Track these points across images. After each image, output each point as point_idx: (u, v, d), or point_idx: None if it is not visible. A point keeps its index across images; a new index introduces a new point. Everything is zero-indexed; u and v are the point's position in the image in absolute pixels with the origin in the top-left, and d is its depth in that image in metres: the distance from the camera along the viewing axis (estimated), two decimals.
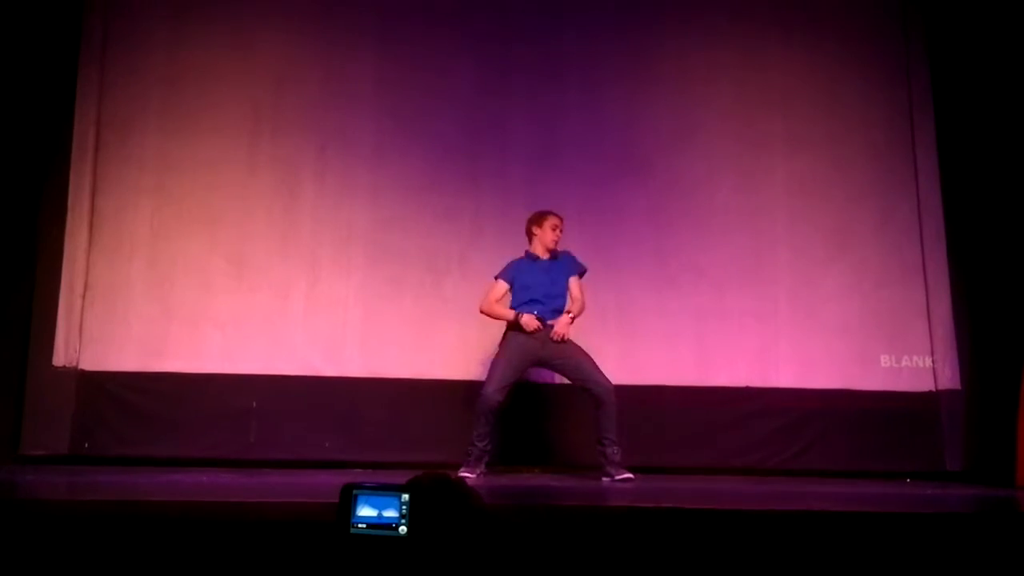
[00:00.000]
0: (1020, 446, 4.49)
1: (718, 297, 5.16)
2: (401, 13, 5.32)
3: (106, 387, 4.77)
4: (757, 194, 5.31)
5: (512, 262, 4.42)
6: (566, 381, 4.49)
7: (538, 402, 4.89)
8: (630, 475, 4.11)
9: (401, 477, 1.64)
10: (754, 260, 5.23)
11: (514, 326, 4.25)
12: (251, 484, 3.83)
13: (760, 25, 5.46)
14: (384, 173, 5.16)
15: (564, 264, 4.42)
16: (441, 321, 5.01)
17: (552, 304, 4.31)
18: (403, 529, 1.55)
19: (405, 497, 1.57)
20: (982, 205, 5.16)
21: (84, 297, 4.85)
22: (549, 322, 4.25)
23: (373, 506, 1.56)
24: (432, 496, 1.57)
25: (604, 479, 4.12)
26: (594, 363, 4.24)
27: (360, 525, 1.56)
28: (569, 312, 4.30)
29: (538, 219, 4.42)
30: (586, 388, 4.22)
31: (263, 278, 4.99)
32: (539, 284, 4.33)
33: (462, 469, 4.10)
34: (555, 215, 4.42)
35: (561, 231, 4.41)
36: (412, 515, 1.55)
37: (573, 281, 4.40)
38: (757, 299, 5.18)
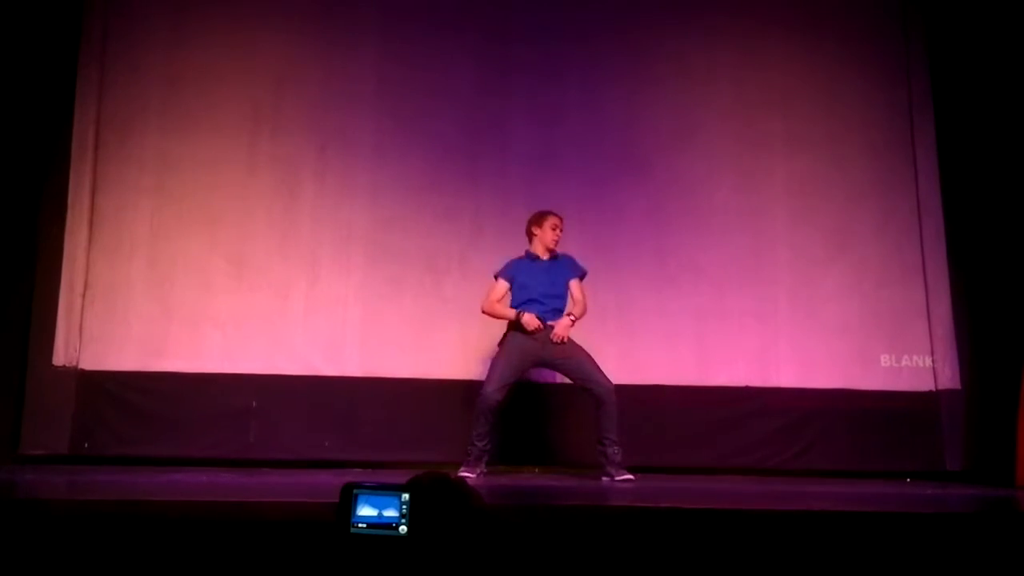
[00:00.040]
0: (1020, 446, 4.49)
1: (718, 297, 5.16)
2: (401, 13, 5.32)
3: (106, 387, 4.77)
4: (757, 194, 5.31)
5: (512, 261, 4.42)
6: (566, 381, 4.49)
7: (538, 402, 4.89)
8: (630, 475, 4.11)
9: (401, 477, 1.64)
10: (754, 260, 5.24)
11: (515, 326, 4.25)
12: (251, 484, 3.82)
13: (760, 25, 5.46)
14: (384, 173, 5.16)
15: (564, 265, 4.42)
16: (441, 321, 5.01)
17: (551, 304, 4.31)
18: (403, 529, 1.55)
19: (405, 497, 1.57)
20: (982, 205, 5.16)
21: (84, 296, 4.85)
22: (549, 323, 4.24)
23: (373, 506, 1.56)
24: (432, 496, 1.57)
25: (604, 479, 4.12)
26: (595, 363, 4.24)
27: (360, 525, 1.56)
28: (570, 314, 4.30)
29: (538, 219, 4.42)
30: (587, 388, 4.22)
31: (263, 278, 4.99)
32: (539, 283, 4.33)
33: (462, 469, 4.10)
34: (555, 215, 4.41)
35: (561, 231, 4.40)
36: (412, 515, 1.55)
37: (574, 284, 4.40)
38: (757, 299, 5.19)
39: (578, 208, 4.91)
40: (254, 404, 4.82)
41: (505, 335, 4.32)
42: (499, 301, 4.35)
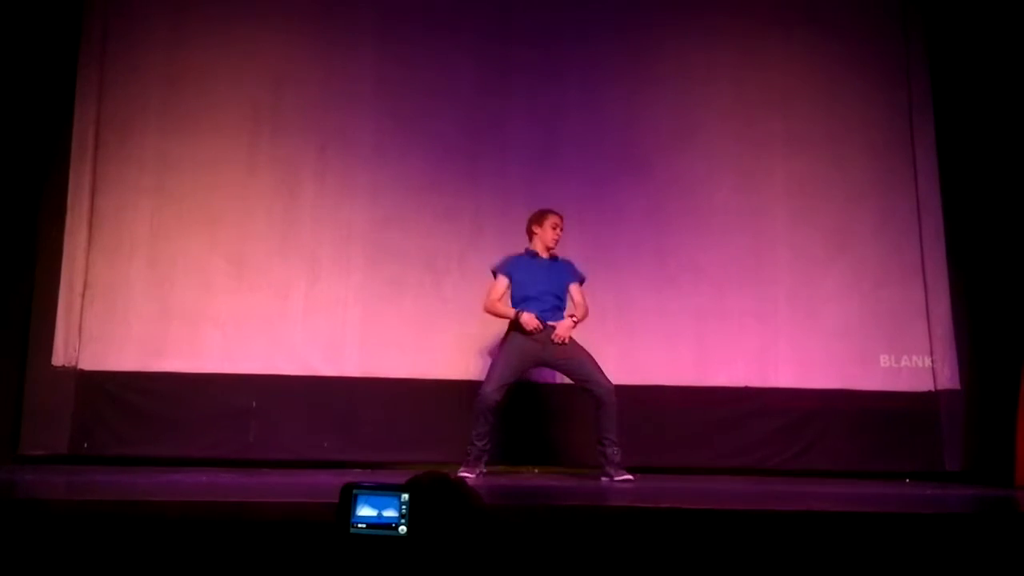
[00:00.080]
0: (1019, 446, 4.49)
1: (718, 297, 5.16)
2: (401, 13, 5.32)
3: (105, 387, 4.77)
4: (757, 194, 5.31)
5: (511, 257, 4.41)
6: (566, 381, 4.49)
7: (538, 402, 4.89)
8: (630, 476, 4.11)
9: (400, 477, 1.64)
10: (754, 260, 5.24)
11: (515, 326, 4.25)
12: (251, 484, 3.82)
13: (760, 25, 5.46)
14: (384, 173, 5.16)
15: (564, 268, 4.42)
16: (441, 321, 5.01)
17: (551, 302, 4.30)
18: (403, 529, 1.55)
19: (405, 497, 1.57)
20: (981, 205, 5.17)
21: (83, 297, 4.85)
22: (550, 323, 4.24)
23: (373, 506, 1.56)
24: (432, 496, 1.56)
25: (604, 479, 4.12)
26: (596, 363, 4.23)
27: (360, 525, 1.56)
28: (572, 315, 4.30)
29: (539, 218, 4.41)
30: (587, 388, 4.22)
31: (263, 278, 4.99)
32: (538, 281, 4.32)
33: (462, 469, 4.09)
34: (556, 214, 4.41)
35: (562, 230, 4.40)
36: (412, 515, 1.55)
37: (575, 288, 4.40)
38: (757, 299, 5.19)
39: (578, 208, 4.91)
40: (254, 404, 4.81)
41: (506, 335, 4.32)
42: (500, 299, 4.34)
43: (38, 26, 4.88)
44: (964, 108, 5.27)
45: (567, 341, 4.23)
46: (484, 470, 4.20)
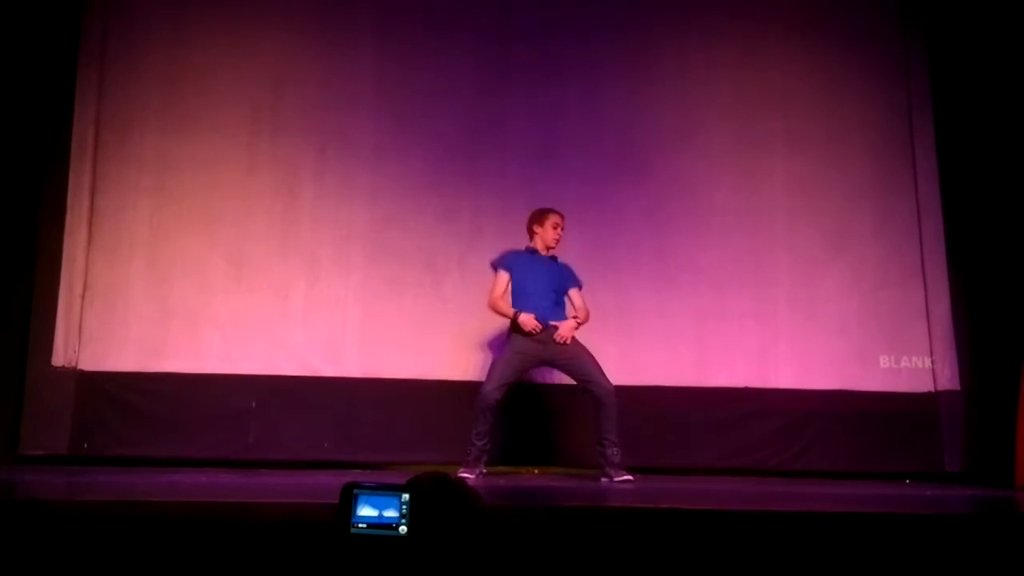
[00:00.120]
0: (1019, 447, 4.49)
1: (717, 297, 5.16)
2: (401, 13, 5.32)
3: (105, 387, 4.76)
4: (757, 194, 5.31)
5: (511, 252, 4.40)
6: (566, 381, 4.49)
7: (538, 402, 4.89)
8: (629, 476, 4.11)
9: (400, 478, 1.64)
10: (753, 260, 5.24)
11: (516, 327, 4.24)
12: (251, 484, 3.82)
13: (760, 25, 5.46)
14: (384, 173, 5.15)
15: (565, 270, 4.43)
16: (440, 321, 5.01)
17: (551, 298, 4.30)
18: (403, 529, 1.55)
19: (405, 497, 1.57)
20: (981, 206, 5.17)
21: (83, 297, 4.84)
22: (552, 323, 4.24)
23: (373, 506, 1.56)
24: (432, 496, 1.56)
25: (603, 480, 4.12)
26: (597, 364, 4.23)
27: (360, 525, 1.56)
28: (575, 317, 4.30)
29: (539, 217, 4.41)
30: (587, 389, 4.22)
31: (262, 278, 4.99)
32: (538, 278, 4.32)
33: (462, 469, 4.09)
34: (557, 213, 4.40)
35: (563, 230, 4.40)
36: (412, 515, 1.55)
37: (575, 293, 4.40)
38: (756, 299, 5.19)
39: (578, 208, 4.90)
40: (253, 405, 4.81)
41: (510, 336, 4.31)
42: (503, 295, 4.33)
43: (38, 26, 4.88)
44: (963, 108, 5.27)
45: (569, 342, 4.22)
46: (484, 470, 4.20)
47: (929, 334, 5.18)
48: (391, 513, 1.56)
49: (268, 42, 5.19)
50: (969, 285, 5.21)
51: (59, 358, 4.74)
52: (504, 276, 4.34)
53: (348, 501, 1.57)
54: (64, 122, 4.93)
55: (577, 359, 4.23)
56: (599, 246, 5.05)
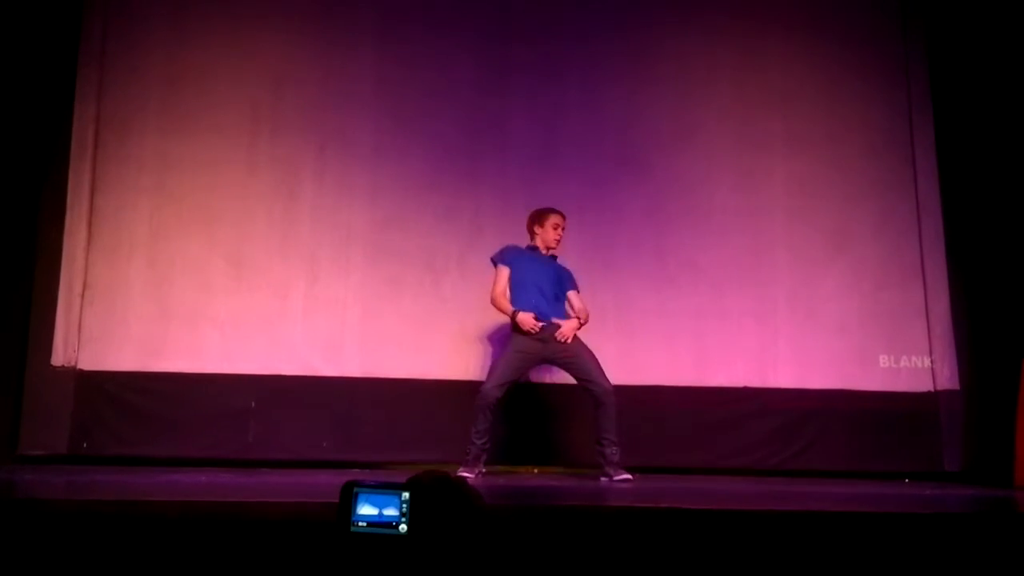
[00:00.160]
0: (1019, 446, 4.49)
1: (717, 297, 5.16)
2: (401, 13, 5.32)
3: (105, 387, 4.76)
4: (756, 194, 5.31)
5: (510, 247, 4.40)
6: (566, 381, 4.49)
7: (538, 402, 4.89)
8: (629, 475, 4.11)
9: (399, 477, 1.64)
10: (753, 260, 5.24)
11: (515, 326, 4.24)
12: (250, 484, 3.82)
13: (760, 25, 5.46)
14: (383, 173, 5.15)
15: (564, 271, 4.43)
16: (440, 321, 5.00)
17: (551, 294, 4.31)
18: (403, 528, 1.55)
19: (405, 495, 1.57)
20: (981, 205, 5.17)
21: (83, 297, 4.84)
22: (554, 320, 4.24)
23: (374, 504, 1.56)
24: (433, 495, 1.57)
25: (603, 479, 4.12)
26: (597, 363, 4.24)
27: (360, 523, 1.56)
28: (577, 317, 4.30)
29: (540, 217, 4.40)
30: (586, 388, 4.22)
31: (262, 278, 4.98)
32: (539, 275, 4.32)
33: (461, 469, 4.09)
34: (558, 213, 4.39)
35: (564, 230, 4.39)
36: (412, 514, 1.55)
37: (573, 295, 4.41)
38: (756, 299, 5.19)
39: (578, 208, 4.89)
40: (253, 404, 4.81)
41: (511, 335, 4.30)
42: (504, 293, 4.32)
43: (38, 25, 4.88)
44: (963, 109, 5.27)
45: (570, 341, 4.23)
46: (483, 470, 4.21)
47: (929, 334, 5.18)
48: (391, 512, 1.56)
49: (268, 42, 5.19)
50: (968, 285, 5.21)
51: (59, 358, 4.74)
52: (504, 271, 4.34)
53: (348, 499, 1.57)
54: (64, 122, 4.93)
55: (578, 358, 4.23)
56: (599, 246, 5.06)
